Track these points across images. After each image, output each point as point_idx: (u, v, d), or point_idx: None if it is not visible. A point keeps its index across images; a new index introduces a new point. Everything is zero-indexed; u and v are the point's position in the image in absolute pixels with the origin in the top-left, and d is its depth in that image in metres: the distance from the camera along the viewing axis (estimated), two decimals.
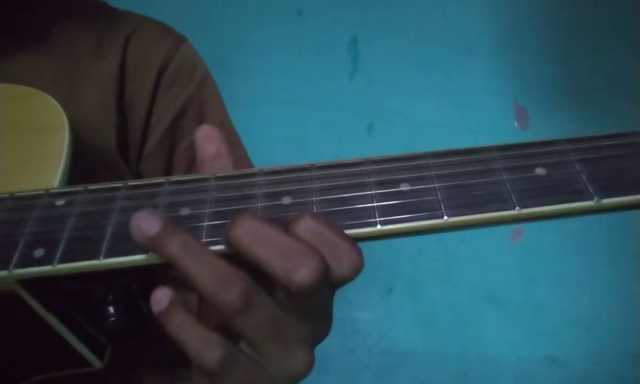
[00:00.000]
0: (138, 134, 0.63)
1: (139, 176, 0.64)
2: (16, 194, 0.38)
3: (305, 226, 0.32)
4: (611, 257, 1.22)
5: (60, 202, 0.37)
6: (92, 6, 0.68)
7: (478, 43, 1.36)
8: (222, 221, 0.34)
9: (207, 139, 0.40)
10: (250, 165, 0.70)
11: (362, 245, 0.33)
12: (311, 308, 0.34)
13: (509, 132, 1.31)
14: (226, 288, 0.31)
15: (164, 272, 0.61)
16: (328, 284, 0.33)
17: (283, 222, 0.33)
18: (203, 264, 0.32)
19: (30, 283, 0.35)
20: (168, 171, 0.65)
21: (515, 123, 1.32)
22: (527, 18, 1.39)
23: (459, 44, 1.35)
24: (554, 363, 1.13)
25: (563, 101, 1.33)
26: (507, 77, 1.34)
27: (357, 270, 0.33)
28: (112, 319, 0.41)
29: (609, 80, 1.35)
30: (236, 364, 0.33)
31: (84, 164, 0.51)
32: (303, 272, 0.31)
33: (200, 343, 0.33)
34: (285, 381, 0.35)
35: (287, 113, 1.26)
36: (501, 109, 1.33)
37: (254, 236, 0.32)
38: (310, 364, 0.35)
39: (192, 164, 0.65)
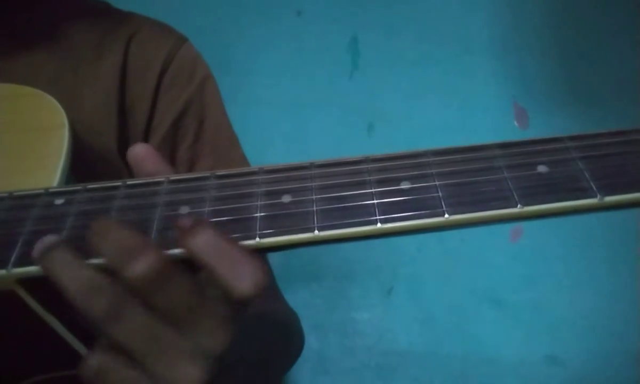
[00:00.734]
0: (139, 135, 0.63)
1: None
2: (15, 193, 0.38)
3: (201, 238, 0.32)
4: (611, 257, 1.22)
5: (59, 201, 0.37)
6: (94, 6, 0.67)
7: (478, 43, 1.36)
8: (222, 219, 0.34)
9: (141, 161, 0.39)
10: (248, 165, 0.70)
11: (363, 244, 0.33)
12: (185, 318, 0.33)
13: (509, 133, 1.31)
14: (91, 298, 0.32)
15: None
16: (213, 293, 0.32)
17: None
18: (71, 273, 0.32)
19: (29, 282, 0.35)
20: None
21: (516, 123, 1.32)
22: (527, 18, 1.39)
23: (459, 44, 1.35)
24: (554, 363, 1.13)
25: (563, 101, 1.33)
26: (507, 77, 1.34)
27: (259, 286, 0.32)
28: None
29: (610, 81, 1.35)
30: (108, 372, 0.33)
31: (84, 165, 0.51)
32: (136, 265, 0.31)
33: None
34: None
35: (287, 113, 1.26)
36: (501, 109, 1.33)
37: (100, 235, 0.32)
38: (196, 380, 0.33)
39: (193, 165, 0.65)
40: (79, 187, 0.38)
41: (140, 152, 0.39)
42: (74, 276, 0.32)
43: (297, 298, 1.02)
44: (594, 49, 1.37)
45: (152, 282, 0.31)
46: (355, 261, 1.12)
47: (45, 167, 0.45)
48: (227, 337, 0.33)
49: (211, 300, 0.33)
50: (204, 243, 0.32)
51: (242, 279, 0.31)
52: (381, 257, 1.15)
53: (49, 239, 0.34)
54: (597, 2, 1.41)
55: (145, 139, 0.64)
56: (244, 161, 0.69)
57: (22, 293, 0.35)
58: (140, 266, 0.31)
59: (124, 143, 0.62)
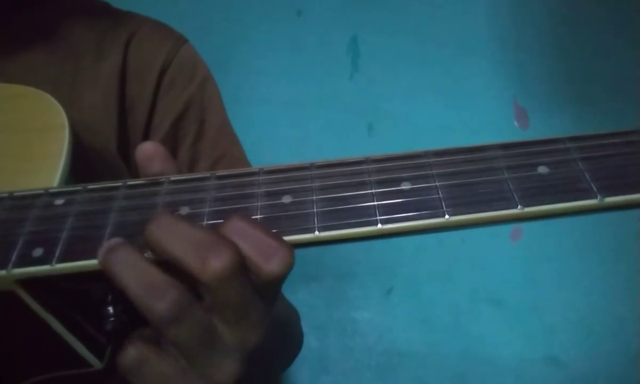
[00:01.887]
0: (139, 135, 0.63)
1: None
2: (15, 194, 0.38)
3: (230, 225, 0.32)
4: (611, 257, 1.22)
5: (59, 201, 0.37)
6: (94, 6, 0.67)
7: (478, 43, 1.36)
8: (222, 220, 0.34)
9: (148, 160, 0.39)
10: (249, 165, 0.70)
11: (363, 245, 0.33)
12: (239, 313, 0.32)
13: (509, 133, 1.31)
14: (156, 297, 0.31)
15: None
16: (255, 284, 0.32)
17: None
18: (132, 271, 0.32)
19: (29, 283, 0.35)
20: None
21: (516, 123, 1.32)
22: (527, 18, 1.39)
23: (459, 44, 1.35)
24: (554, 363, 1.13)
25: (563, 101, 1.33)
26: (507, 77, 1.34)
27: (287, 265, 0.31)
28: (112, 319, 0.40)
29: (610, 81, 1.35)
30: (150, 365, 0.33)
31: (84, 166, 0.51)
32: (215, 263, 0.30)
33: None
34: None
35: (287, 113, 1.26)
36: (501, 109, 1.33)
37: (167, 231, 0.31)
38: (235, 375, 0.33)
39: (194, 165, 0.65)
40: (79, 187, 0.38)
41: (148, 150, 0.39)
42: (138, 277, 0.31)
43: (297, 298, 1.02)
44: (594, 49, 1.37)
45: (225, 279, 0.31)
46: (355, 261, 1.12)
47: (45, 168, 0.45)
48: (263, 329, 0.34)
49: (255, 293, 0.32)
50: (232, 227, 0.31)
51: (271, 258, 0.31)
52: (381, 257, 1.15)
53: (115, 240, 0.33)
54: (597, 2, 1.41)
55: (145, 139, 0.64)
56: (245, 161, 0.70)
57: (22, 294, 0.35)
58: (218, 263, 0.30)
59: (124, 143, 0.62)
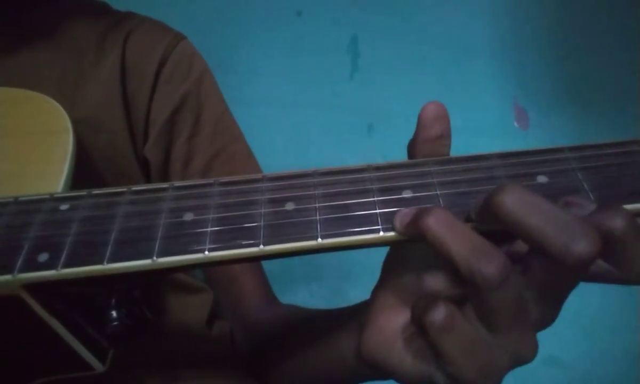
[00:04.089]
0: (141, 129, 0.64)
1: (147, 170, 0.65)
2: (20, 199, 0.38)
3: (608, 213, 0.30)
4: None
5: (64, 206, 0.37)
6: (95, 6, 0.68)
7: (478, 44, 1.36)
8: (226, 227, 0.34)
9: (435, 120, 0.38)
10: (253, 160, 0.70)
11: (365, 249, 0.34)
12: (559, 291, 0.32)
13: (509, 133, 1.31)
14: (486, 260, 0.30)
15: (166, 278, 0.61)
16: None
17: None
18: (459, 236, 0.31)
19: (34, 288, 0.35)
20: (165, 166, 0.65)
21: (516, 124, 1.32)
22: (527, 19, 1.39)
23: (459, 45, 1.35)
24: (554, 363, 1.13)
25: (563, 101, 1.33)
26: (507, 77, 1.34)
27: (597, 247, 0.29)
28: (115, 323, 0.41)
29: (609, 81, 1.35)
30: (457, 326, 0.32)
31: (88, 166, 0.51)
32: (584, 245, 0.28)
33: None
34: (509, 363, 0.34)
35: (287, 113, 1.26)
36: (501, 109, 1.33)
37: (527, 203, 0.30)
38: (537, 350, 0.33)
39: (190, 160, 0.66)
40: (83, 193, 0.38)
41: (435, 110, 0.38)
42: (464, 239, 0.31)
43: (297, 298, 1.01)
44: (593, 49, 1.37)
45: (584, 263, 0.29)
46: (355, 261, 1.12)
47: (49, 173, 0.45)
48: (557, 313, 0.33)
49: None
50: (517, 203, 0.30)
51: (576, 239, 0.29)
52: (381, 257, 1.15)
53: (427, 207, 0.32)
54: (596, 2, 1.41)
55: (145, 133, 0.64)
56: (248, 156, 0.69)
57: (27, 298, 0.35)
58: (584, 248, 0.29)
59: (132, 138, 0.63)
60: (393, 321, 0.38)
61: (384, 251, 0.42)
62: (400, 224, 0.33)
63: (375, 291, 0.41)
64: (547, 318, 0.33)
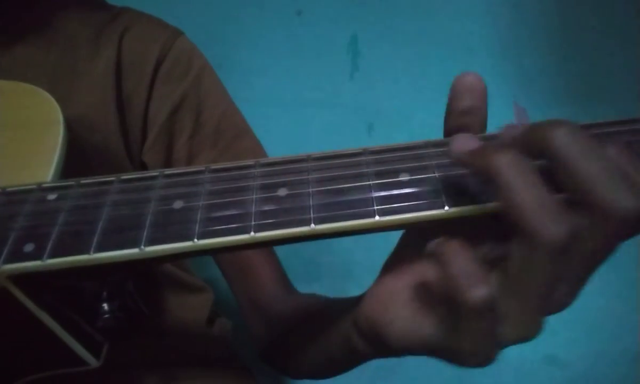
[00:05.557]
0: (138, 129, 0.63)
1: (144, 170, 0.64)
2: (8, 189, 0.38)
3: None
4: (611, 257, 1.21)
5: (52, 196, 0.36)
6: (90, 1, 0.67)
7: (478, 43, 1.35)
8: (216, 215, 0.33)
9: (467, 91, 0.35)
10: (261, 153, 0.68)
11: (362, 244, 0.33)
12: (593, 261, 0.29)
13: None
14: (556, 219, 0.27)
15: (157, 268, 0.60)
16: None
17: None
18: (530, 186, 0.27)
19: (21, 279, 0.34)
20: (167, 166, 0.64)
21: (516, 123, 1.32)
22: (527, 18, 1.38)
23: (459, 44, 1.35)
24: (554, 363, 1.12)
25: (563, 100, 1.32)
26: (507, 77, 1.34)
27: None
28: (107, 316, 0.40)
29: (609, 81, 1.34)
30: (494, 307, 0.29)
31: (81, 163, 0.51)
32: (633, 202, 0.26)
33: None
34: (511, 339, 0.31)
35: (287, 113, 1.25)
36: (501, 109, 1.32)
37: (585, 146, 0.27)
38: (540, 330, 0.30)
39: (193, 159, 0.64)
40: (72, 182, 0.37)
41: (470, 82, 0.35)
42: (534, 192, 0.27)
43: None
44: (593, 49, 1.37)
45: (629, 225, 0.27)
46: (355, 261, 1.11)
47: (39, 163, 0.44)
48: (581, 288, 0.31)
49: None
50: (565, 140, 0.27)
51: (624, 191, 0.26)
52: (381, 257, 1.14)
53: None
54: (596, 2, 1.40)
55: (143, 132, 0.63)
56: (255, 150, 0.68)
57: (14, 290, 0.34)
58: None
59: (125, 137, 0.62)
60: (391, 285, 0.37)
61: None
62: (460, 149, 0.29)
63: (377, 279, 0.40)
64: (567, 298, 0.30)
